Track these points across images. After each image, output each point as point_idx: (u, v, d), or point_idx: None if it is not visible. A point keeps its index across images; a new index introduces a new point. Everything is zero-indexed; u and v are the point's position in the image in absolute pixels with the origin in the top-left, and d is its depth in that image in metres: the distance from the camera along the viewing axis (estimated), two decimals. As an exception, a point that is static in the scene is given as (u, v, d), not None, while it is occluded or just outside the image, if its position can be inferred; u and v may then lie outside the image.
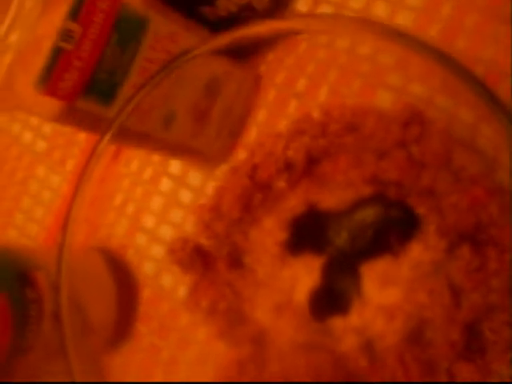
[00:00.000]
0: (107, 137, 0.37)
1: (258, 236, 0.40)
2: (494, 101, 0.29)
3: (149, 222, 0.45)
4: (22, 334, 0.39)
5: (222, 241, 0.41)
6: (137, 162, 0.44)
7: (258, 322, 0.40)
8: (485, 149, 0.37)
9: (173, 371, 0.42)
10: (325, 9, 0.45)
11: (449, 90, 0.35)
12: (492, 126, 0.31)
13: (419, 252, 0.36)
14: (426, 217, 0.36)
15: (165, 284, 0.44)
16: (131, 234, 0.45)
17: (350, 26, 0.32)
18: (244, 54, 0.43)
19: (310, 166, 0.40)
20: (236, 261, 0.41)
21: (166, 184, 0.46)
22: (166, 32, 0.37)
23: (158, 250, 0.44)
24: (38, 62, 0.33)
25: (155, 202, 0.45)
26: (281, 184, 0.40)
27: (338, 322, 0.38)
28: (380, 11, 0.44)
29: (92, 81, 0.35)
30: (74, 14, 0.33)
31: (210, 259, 0.41)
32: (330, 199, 0.39)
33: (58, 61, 0.33)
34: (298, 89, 0.43)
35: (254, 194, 0.40)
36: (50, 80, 0.33)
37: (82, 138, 0.54)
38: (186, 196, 0.45)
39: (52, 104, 0.35)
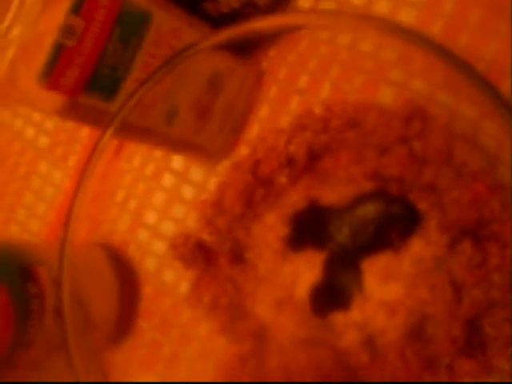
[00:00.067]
0: (109, 132, 0.37)
1: (259, 231, 0.41)
2: (496, 96, 0.29)
3: (151, 217, 0.45)
4: (23, 329, 0.40)
5: (224, 236, 0.41)
6: (139, 158, 0.44)
7: (260, 318, 0.40)
8: (486, 145, 0.37)
9: (174, 367, 0.42)
10: (327, 5, 0.45)
11: (451, 85, 0.35)
12: (494, 121, 0.31)
13: (421, 248, 0.36)
14: (428, 212, 0.36)
15: (167, 280, 0.44)
16: (133, 229, 0.45)
17: (351, 21, 0.32)
18: (246, 50, 0.43)
19: (311, 162, 0.40)
20: (238, 256, 0.41)
21: (168, 180, 0.46)
22: (169, 27, 0.37)
23: (159, 246, 0.44)
24: (41, 57, 0.33)
25: (157, 197, 0.45)
26: (282, 179, 0.40)
27: (339, 318, 0.38)
28: (382, 8, 0.44)
29: (94, 76, 0.35)
30: (76, 9, 0.33)
31: (212, 255, 0.41)
32: (332, 195, 0.39)
33: (60, 56, 0.33)
34: (300, 85, 0.43)
35: (255, 190, 0.40)
36: (52, 75, 0.33)
37: (85, 134, 0.54)
38: (188, 192, 0.45)
39: (54, 99, 0.35)
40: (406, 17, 0.43)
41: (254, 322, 0.40)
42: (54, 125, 0.55)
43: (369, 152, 0.38)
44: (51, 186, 0.55)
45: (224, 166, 0.43)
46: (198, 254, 0.42)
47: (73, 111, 0.36)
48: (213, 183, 0.43)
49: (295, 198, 0.40)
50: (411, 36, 0.30)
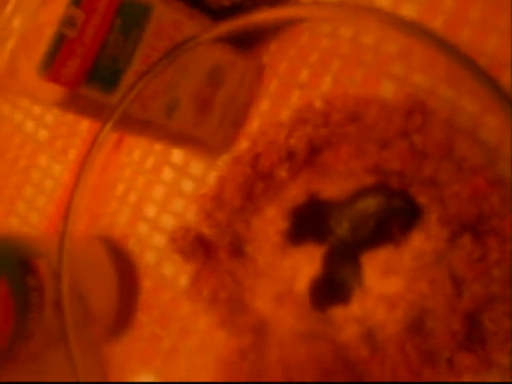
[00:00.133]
0: (109, 124, 0.37)
1: (259, 225, 0.40)
2: (497, 90, 0.29)
3: (150, 211, 0.45)
4: (23, 321, 0.39)
5: (224, 230, 0.41)
6: (139, 151, 0.44)
7: (259, 312, 0.40)
8: (487, 139, 0.37)
9: (174, 360, 0.42)
10: (328, -2, 0.45)
11: (452, 80, 0.35)
12: (495, 116, 0.31)
13: (421, 242, 0.36)
14: (428, 206, 0.36)
15: (166, 273, 0.44)
16: (133, 222, 0.45)
17: (354, 13, 0.32)
18: (247, 43, 0.43)
19: (311, 156, 0.40)
20: (237, 250, 0.41)
21: (167, 173, 0.46)
22: (170, 19, 0.37)
23: (159, 239, 0.44)
24: (41, 48, 0.33)
25: (157, 191, 0.45)
26: (283, 173, 0.40)
27: (338, 312, 0.38)
28: (383, 2, 0.44)
29: (95, 68, 0.35)
30: (77, 1, 0.33)
31: (212, 248, 0.41)
32: (332, 189, 0.39)
33: (60, 47, 0.33)
34: (301, 79, 0.43)
35: (255, 183, 0.40)
36: (52, 66, 0.33)
37: (84, 127, 0.54)
38: (187, 185, 0.45)
39: (55, 90, 0.35)
40: (408, 11, 0.43)
41: (254, 316, 0.40)
42: (54, 118, 0.55)
43: (369, 146, 0.38)
44: (51, 179, 0.55)
45: (224, 159, 0.43)
46: (198, 247, 0.41)
47: (73, 103, 0.36)
48: (213, 177, 0.43)
49: (295, 192, 0.40)
50: (413, 29, 0.30)
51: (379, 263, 0.37)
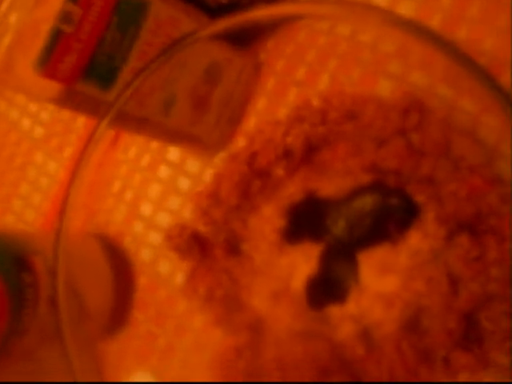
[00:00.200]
0: (106, 121, 0.36)
1: (256, 223, 0.40)
2: (496, 88, 0.29)
3: (146, 208, 0.45)
4: (18, 318, 0.39)
5: (220, 227, 0.41)
6: (135, 149, 0.44)
7: (255, 310, 0.40)
8: (485, 138, 0.37)
9: (169, 358, 0.42)
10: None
11: (450, 78, 0.35)
12: (493, 115, 0.31)
13: (418, 240, 0.36)
14: (425, 205, 0.36)
15: (162, 271, 0.44)
16: (129, 220, 0.45)
17: (351, 11, 0.32)
18: (244, 41, 0.43)
19: (308, 154, 0.40)
20: (233, 248, 0.41)
21: (164, 171, 0.46)
22: (167, 16, 0.37)
23: (155, 237, 0.44)
24: (38, 44, 0.33)
25: (153, 188, 0.45)
26: (279, 171, 0.40)
27: (335, 310, 0.38)
28: (381, 0, 0.44)
29: (92, 64, 0.35)
30: (74, -3, 0.33)
31: (208, 246, 0.41)
32: (329, 187, 0.39)
33: (57, 43, 0.33)
34: (298, 76, 0.42)
35: (252, 181, 0.40)
36: (49, 62, 0.33)
37: (80, 124, 0.54)
38: (184, 183, 0.45)
39: (51, 86, 0.34)
40: (405, 10, 0.43)
41: (250, 314, 0.40)
42: (50, 115, 0.55)
43: (367, 144, 0.38)
44: (47, 177, 0.55)
45: (220, 157, 0.43)
46: (194, 245, 0.41)
47: (69, 99, 0.36)
48: (209, 175, 0.43)
49: (292, 190, 0.40)
50: (411, 27, 0.30)
51: (376, 261, 0.37)
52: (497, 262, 0.34)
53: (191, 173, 0.45)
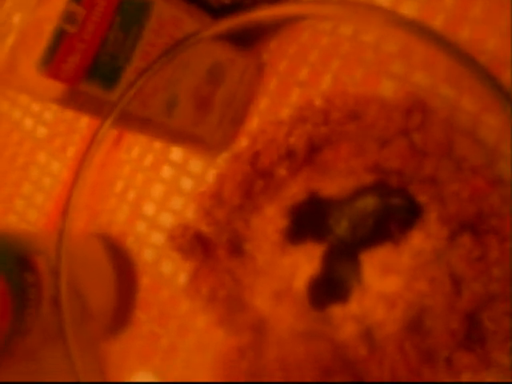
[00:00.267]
0: (109, 121, 0.37)
1: (258, 223, 0.40)
2: (498, 89, 0.29)
3: (149, 208, 0.45)
4: (20, 317, 0.39)
5: (223, 228, 0.41)
6: (138, 149, 0.44)
7: (258, 310, 0.40)
8: (486, 139, 0.37)
9: (172, 358, 0.42)
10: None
11: (452, 79, 0.35)
12: (495, 115, 0.31)
13: (420, 240, 0.36)
14: (428, 205, 0.36)
15: (165, 271, 0.44)
16: (131, 220, 0.45)
17: (354, 11, 0.32)
18: (247, 41, 0.43)
19: (311, 154, 0.40)
20: (236, 248, 0.41)
21: (167, 171, 0.46)
22: (170, 16, 0.37)
23: (158, 237, 0.44)
24: (41, 44, 0.33)
25: (156, 189, 0.45)
26: (282, 171, 0.40)
27: (337, 310, 0.38)
28: (383, 1, 0.44)
29: (95, 64, 0.35)
30: (77, -3, 0.33)
31: (211, 246, 0.41)
32: (332, 187, 0.39)
33: (60, 43, 0.33)
34: (301, 77, 0.42)
35: (255, 181, 0.40)
36: (52, 62, 0.33)
37: (84, 124, 0.54)
38: (186, 183, 0.45)
39: (54, 87, 0.34)
40: (408, 10, 0.43)
41: (253, 314, 0.40)
42: (53, 115, 0.55)
43: (369, 144, 0.38)
44: (50, 177, 0.55)
45: (223, 157, 0.43)
46: (197, 245, 0.41)
47: (72, 99, 0.36)
48: (212, 175, 0.43)
49: (295, 190, 0.40)
50: (414, 27, 0.30)
51: (378, 262, 0.37)
52: (498, 261, 0.34)
53: (194, 173, 0.45)
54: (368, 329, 0.37)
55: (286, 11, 0.34)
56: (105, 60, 0.35)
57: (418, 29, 0.30)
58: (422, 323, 0.36)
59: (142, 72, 0.36)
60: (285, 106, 0.42)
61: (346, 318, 0.37)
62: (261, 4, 0.43)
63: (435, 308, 0.35)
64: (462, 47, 0.29)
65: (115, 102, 0.36)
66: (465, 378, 0.35)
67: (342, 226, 0.38)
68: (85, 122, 0.54)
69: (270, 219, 0.40)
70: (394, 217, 0.37)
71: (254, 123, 0.43)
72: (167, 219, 0.45)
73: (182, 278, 0.43)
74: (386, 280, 0.37)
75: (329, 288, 0.38)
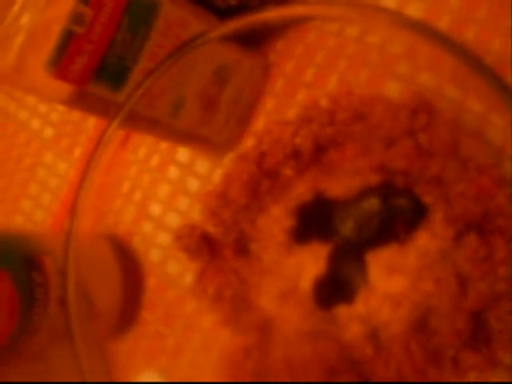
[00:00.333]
0: (116, 122, 0.37)
1: (264, 223, 0.41)
2: (504, 90, 0.29)
3: (156, 209, 0.45)
4: (28, 317, 0.40)
5: (229, 228, 0.41)
6: (144, 150, 0.44)
7: (264, 310, 0.40)
8: (492, 139, 0.37)
9: (178, 358, 0.42)
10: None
11: (458, 79, 0.35)
12: (500, 115, 0.31)
13: (426, 240, 0.36)
14: (434, 205, 0.36)
15: (171, 271, 0.44)
16: (138, 221, 0.45)
17: (360, 13, 0.32)
18: (253, 42, 0.43)
19: (317, 154, 0.40)
20: (242, 248, 0.41)
21: (173, 171, 0.46)
22: (177, 18, 0.37)
23: (164, 238, 0.44)
24: (49, 45, 0.33)
25: (162, 189, 0.46)
26: (288, 171, 0.40)
27: (343, 311, 0.38)
28: (389, 2, 0.44)
29: (102, 65, 0.35)
30: (85, -2, 0.33)
31: (217, 246, 0.41)
32: (337, 187, 0.39)
33: (68, 44, 0.33)
34: (307, 78, 0.43)
35: (261, 181, 0.40)
36: (60, 63, 0.34)
37: (90, 125, 0.54)
38: (193, 184, 0.45)
39: (62, 87, 0.35)
40: (413, 11, 0.43)
41: (258, 314, 0.40)
42: (60, 116, 0.55)
43: (375, 145, 0.38)
44: (56, 177, 0.55)
45: (229, 157, 0.43)
46: (203, 245, 0.41)
47: (80, 100, 0.36)
48: (218, 175, 0.43)
49: (301, 190, 0.40)
50: (419, 28, 0.30)
51: (384, 262, 0.37)
52: (504, 261, 0.34)
53: (200, 173, 0.45)
54: (374, 329, 0.37)
55: (292, 12, 0.34)
56: (112, 61, 0.35)
57: (424, 30, 0.30)
58: (427, 323, 0.36)
59: (149, 73, 0.36)
60: (291, 106, 0.42)
61: (352, 318, 0.38)
62: (267, 5, 0.43)
63: (441, 308, 0.35)
64: (467, 48, 0.30)
65: (122, 102, 0.36)
66: (471, 377, 0.35)
67: (347, 226, 0.38)
68: (92, 122, 0.54)
69: (276, 219, 0.40)
70: (399, 217, 0.37)
71: (260, 123, 0.44)
72: (173, 219, 0.45)
73: (189, 278, 0.43)
74: (392, 280, 0.37)
75: (334, 288, 0.38)
